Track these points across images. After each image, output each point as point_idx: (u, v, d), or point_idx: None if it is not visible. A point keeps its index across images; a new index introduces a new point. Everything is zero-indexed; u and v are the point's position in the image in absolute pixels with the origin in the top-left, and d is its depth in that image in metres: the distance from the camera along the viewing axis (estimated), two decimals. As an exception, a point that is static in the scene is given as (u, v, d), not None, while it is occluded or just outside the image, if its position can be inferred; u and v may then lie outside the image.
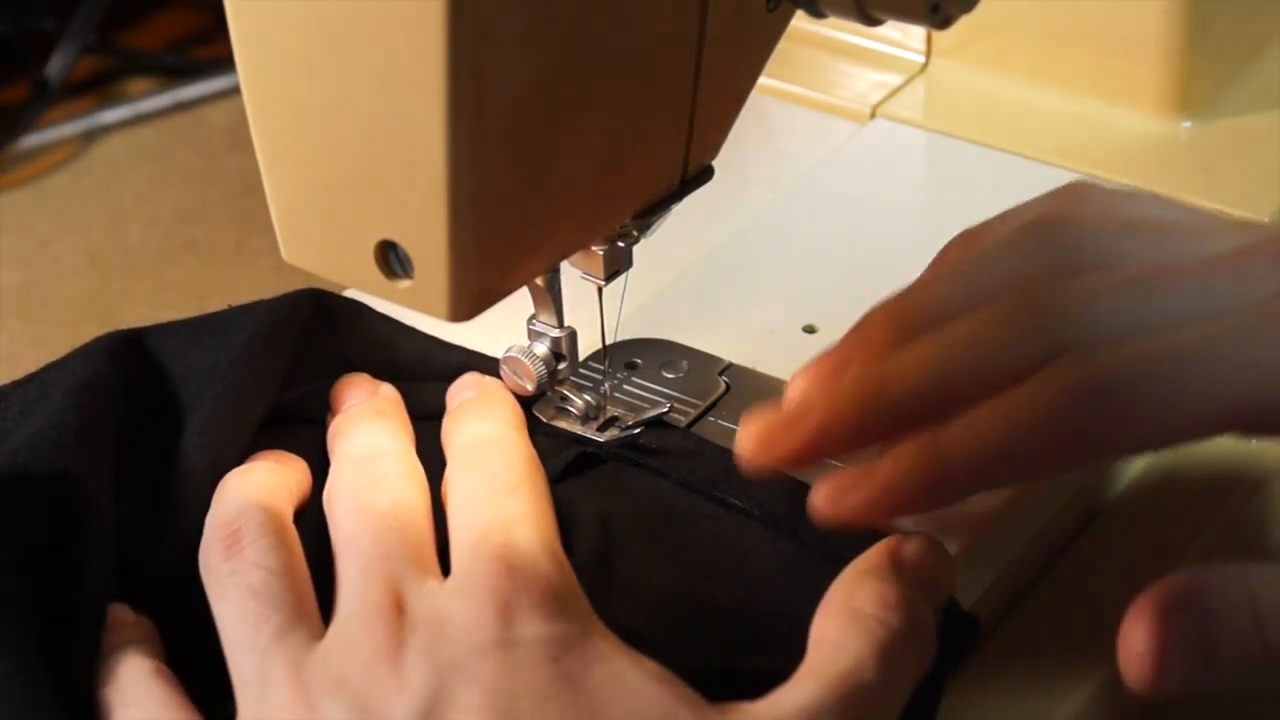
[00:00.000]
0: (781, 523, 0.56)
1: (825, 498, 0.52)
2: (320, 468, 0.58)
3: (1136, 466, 0.64)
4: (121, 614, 0.53)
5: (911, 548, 0.53)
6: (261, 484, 0.55)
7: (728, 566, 0.55)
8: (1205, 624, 0.49)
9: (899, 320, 0.54)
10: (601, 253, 0.58)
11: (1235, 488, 0.61)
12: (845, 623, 0.51)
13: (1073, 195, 0.57)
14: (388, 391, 0.60)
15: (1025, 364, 0.51)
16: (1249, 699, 0.58)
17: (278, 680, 0.49)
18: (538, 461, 0.57)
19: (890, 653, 0.50)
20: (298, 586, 0.52)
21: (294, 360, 0.59)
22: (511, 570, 0.51)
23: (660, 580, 0.55)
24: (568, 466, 0.58)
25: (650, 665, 0.49)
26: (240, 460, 0.57)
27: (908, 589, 0.52)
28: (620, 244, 0.58)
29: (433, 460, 0.58)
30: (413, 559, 0.52)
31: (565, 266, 0.58)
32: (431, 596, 0.51)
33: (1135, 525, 0.61)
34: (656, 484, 0.58)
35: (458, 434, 0.58)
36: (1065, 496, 0.59)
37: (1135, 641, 0.49)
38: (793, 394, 0.55)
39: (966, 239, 0.58)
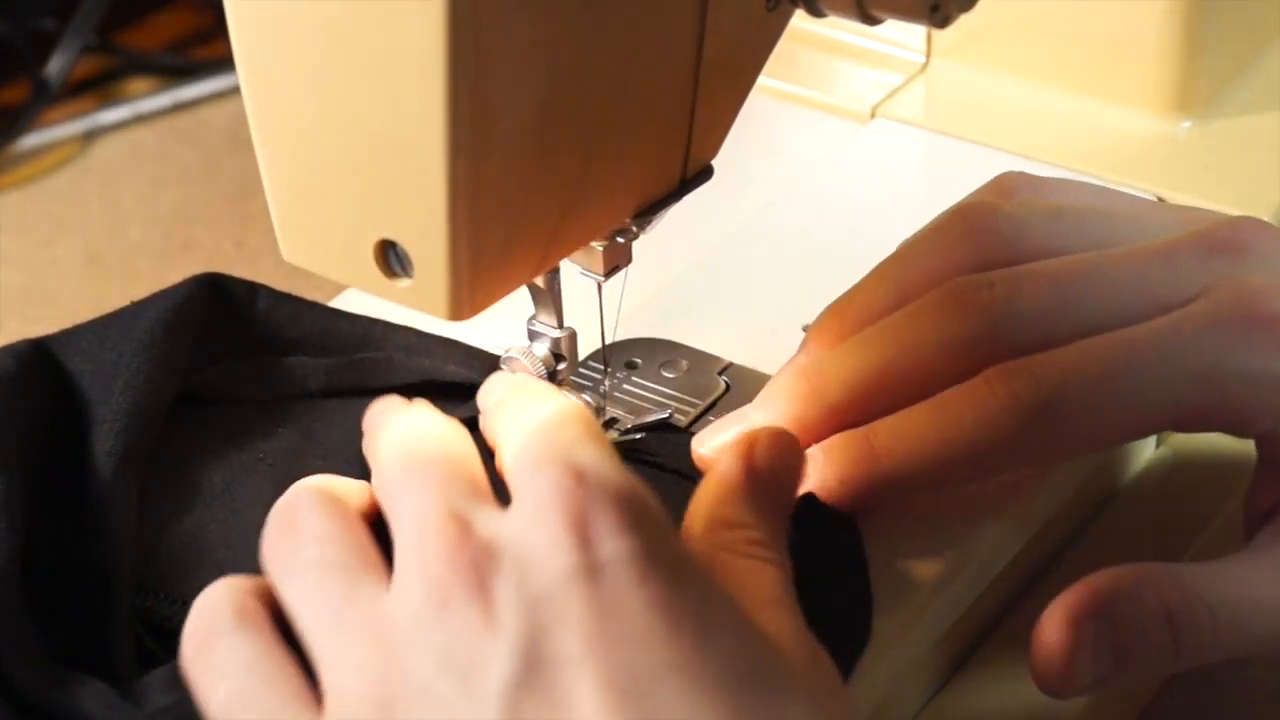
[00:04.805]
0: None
1: None
2: (236, 447, 0.58)
3: (1139, 464, 0.64)
4: None
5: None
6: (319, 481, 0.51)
7: None
8: (1118, 631, 0.50)
9: (837, 325, 0.56)
10: (601, 248, 0.58)
11: (1238, 484, 0.61)
12: None
13: (1000, 186, 0.59)
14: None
15: (952, 357, 0.53)
16: (1248, 700, 0.58)
17: (351, 642, 0.45)
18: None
19: None
20: (358, 542, 0.47)
21: (199, 343, 0.59)
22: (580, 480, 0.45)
23: None
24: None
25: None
26: (154, 445, 0.57)
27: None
28: (620, 239, 0.58)
29: (339, 440, 0.58)
30: (469, 489, 0.47)
31: (565, 266, 0.58)
32: (497, 520, 0.45)
33: (1138, 522, 0.61)
34: None
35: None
36: (1067, 494, 0.59)
37: (1047, 643, 0.50)
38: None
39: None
